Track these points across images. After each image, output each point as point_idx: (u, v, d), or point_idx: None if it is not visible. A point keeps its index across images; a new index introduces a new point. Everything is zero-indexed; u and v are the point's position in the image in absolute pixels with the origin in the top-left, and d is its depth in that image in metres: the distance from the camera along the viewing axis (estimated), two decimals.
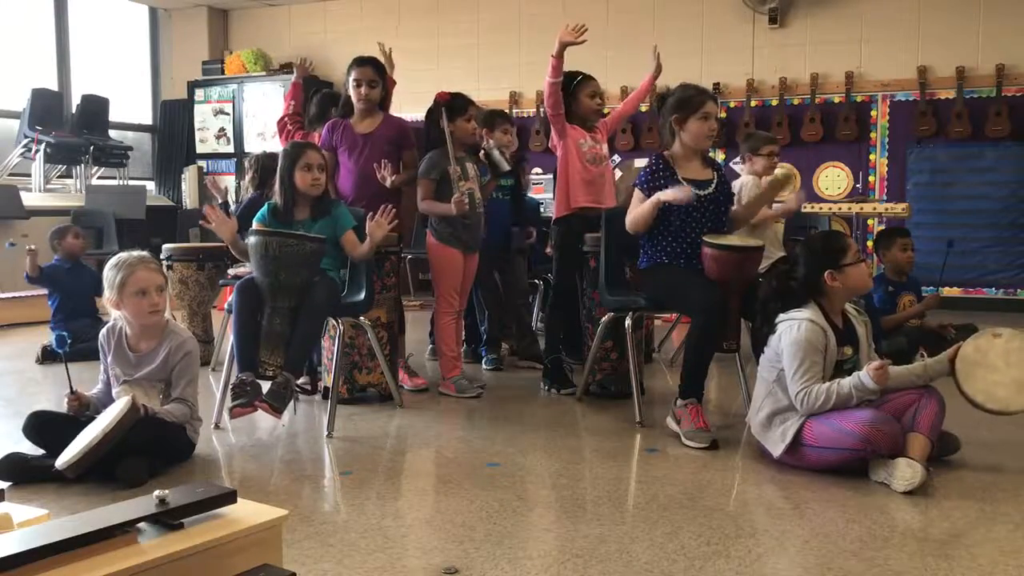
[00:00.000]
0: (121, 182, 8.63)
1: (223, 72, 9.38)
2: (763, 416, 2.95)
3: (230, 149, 9.42)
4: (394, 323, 4.05)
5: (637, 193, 3.47)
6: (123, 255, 2.97)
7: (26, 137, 7.83)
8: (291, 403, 3.25)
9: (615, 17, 8.15)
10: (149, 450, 2.75)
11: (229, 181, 9.18)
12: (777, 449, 2.88)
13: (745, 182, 4.53)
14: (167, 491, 1.62)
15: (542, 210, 6.03)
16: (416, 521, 2.46)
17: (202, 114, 9.53)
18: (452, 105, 4.06)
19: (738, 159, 4.89)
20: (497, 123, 4.75)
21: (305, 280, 3.29)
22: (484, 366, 4.73)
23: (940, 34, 7.22)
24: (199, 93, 9.53)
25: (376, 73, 4.08)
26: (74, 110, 8.46)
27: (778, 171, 4.47)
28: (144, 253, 3.03)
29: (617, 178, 7.35)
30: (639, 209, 3.41)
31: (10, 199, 7.25)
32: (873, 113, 7.46)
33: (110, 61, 9.41)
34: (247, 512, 1.68)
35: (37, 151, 7.82)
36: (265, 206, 3.58)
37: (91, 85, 8.77)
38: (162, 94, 9.85)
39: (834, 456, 2.76)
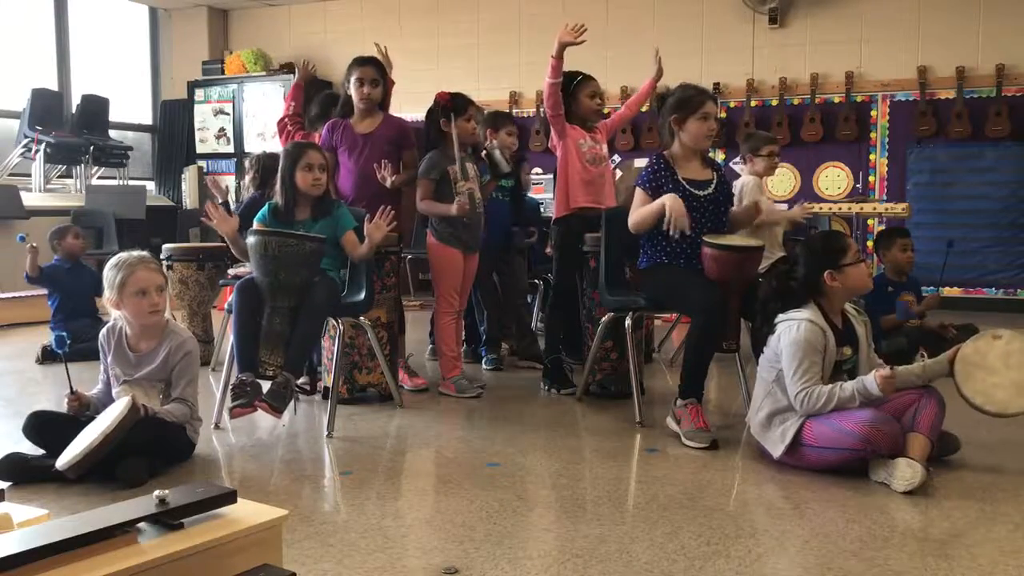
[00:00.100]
0: (121, 182, 8.63)
1: (223, 72, 9.38)
2: (762, 416, 2.94)
3: (230, 149, 9.42)
4: (394, 323, 4.05)
5: (639, 193, 3.47)
6: (123, 255, 2.97)
7: (26, 137, 7.83)
8: (291, 403, 3.25)
9: (615, 17, 8.15)
10: (149, 450, 2.75)
11: (229, 181, 9.18)
12: (777, 450, 2.88)
13: (746, 182, 4.54)
14: (167, 491, 1.62)
15: (542, 210, 6.04)
16: (416, 521, 2.46)
17: (202, 114, 9.53)
18: (452, 105, 4.06)
19: (738, 159, 4.89)
20: (502, 124, 4.76)
21: (305, 280, 3.29)
22: (484, 366, 4.73)
23: (940, 34, 7.22)
24: (199, 93, 9.53)
25: (378, 72, 4.08)
26: (74, 110, 8.46)
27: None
28: (144, 253, 3.03)
29: (617, 178, 7.36)
30: (644, 210, 3.41)
31: (10, 199, 7.25)
32: (873, 113, 7.46)
33: (110, 61, 9.41)
34: (247, 512, 1.68)
35: (37, 151, 7.82)
36: (266, 206, 3.58)
37: (91, 85, 8.77)
38: (162, 94, 9.85)
39: (834, 456, 2.76)
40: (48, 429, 2.84)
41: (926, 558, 2.16)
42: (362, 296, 3.62)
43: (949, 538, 2.32)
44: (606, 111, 4.39)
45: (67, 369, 2.84)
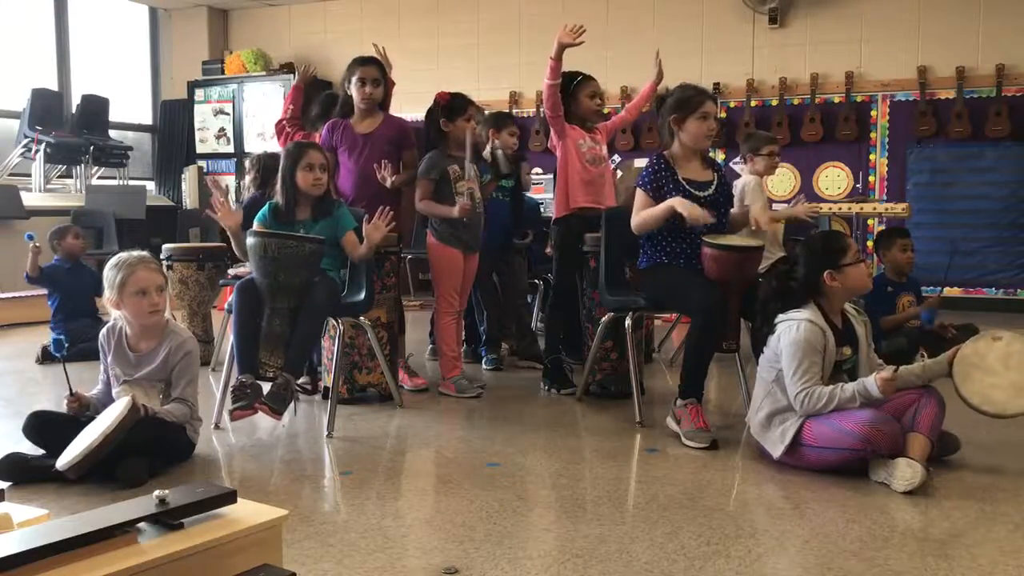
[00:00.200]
0: (121, 182, 8.63)
1: (223, 72, 9.38)
2: (762, 416, 2.94)
3: (230, 149, 9.42)
4: (394, 323, 4.05)
5: (640, 193, 3.47)
6: (123, 255, 2.97)
7: (26, 137, 7.83)
8: (291, 404, 3.25)
9: (615, 17, 8.15)
10: (149, 450, 2.75)
11: (229, 181, 9.19)
12: (777, 450, 2.88)
13: (747, 182, 4.53)
14: (167, 491, 1.62)
15: (542, 210, 6.04)
16: (416, 521, 2.46)
17: (202, 114, 9.53)
18: (452, 105, 4.06)
19: (738, 159, 4.89)
20: (504, 124, 4.76)
21: (304, 281, 3.29)
22: (484, 366, 4.73)
23: (940, 34, 7.22)
24: (199, 93, 9.52)
25: (379, 72, 4.09)
26: (74, 110, 8.46)
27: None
28: (144, 253, 3.03)
29: (617, 178, 7.35)
30: (650, 212, 3.40)
31: (10, 199, 7.25)
32: (873, 113, 7.46)
33: (110, 61, 9.40)
34: (247, 512, 1.68)
35: (37, 151, 7.82)
36: (266, 205, 3.58)
37: (91, 85, 8.76)
38: (162, 94, 9.85)
39: (834, 456, 2.76)
40: (48, 429, 2.84)
41: (926, 558, 2.16)
42: (362, 296, 3.62)
43: (949, 538, 2.32)
44: (606, 111, 4.38)
45: (66, 371, 2.85)
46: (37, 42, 8.68)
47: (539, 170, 7.47)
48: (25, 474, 2.72)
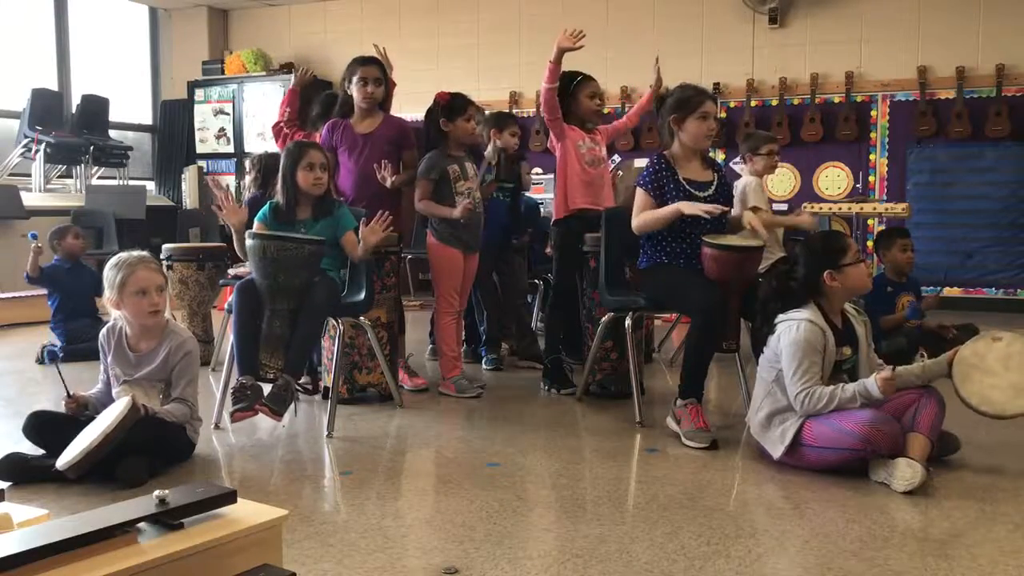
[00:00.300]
0: (121, 182, 8.63)
1: (223, 72, 9.38)
2: (762, 416, 2.94)
3: (230, 149, 9.42)
4: (394, 323, 4.05)
5: (641, 193, 3.46)
6: (123, 255, 2.97)
7: (26, 137, 7.83)
8: (291, 405, 3.25)
9: (615, 17, 8.15)
10: (149, 450, 2.75)
11: (229, 181, 9.19)
12: (777, 450, 2.88)
13: (747, 183, 4.53)
14: (167, 491, 1.62)
15: (542, 210, 6.04)
16: (416, 521, 2.46)
17: (202, 114, 9.53)
18: (452, 105, 4.06)
19: (738, 159, 4.89)
20: (506, 125, 4.76)
21: (304, 282, 3.29)
22: (484, 366, 4.73)
23: (940, 34, 7.22)
24: (199, 93, 9.53)
25: (380, 72, 4.09)
26: (74, 110, 8.46)
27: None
28: (144, 253, 3.03)
29: (617, 178, 7.35)
30: (654, 214, 3.40)
31: (10, 199, 7.25)
32: (873, 113, 7.46)
33: (110, 61, 9.41)
34: (247, 512, 1.68)
35: (37, 151, 7.82)
36: (267, 205, 3.58)
37: (91, 85, 8.77)
38: (162, 94, 9.85)
39: (834, 456, 2.76)
40: (48, 429, 2.84)
41: (926, 558, 2.16)
42: (362, 296, 3.62)
43: (949, 538, 2.32)
44: (606, 111, 4.38)
45: (60, 374, 2.87)
46: (37, 42, 8.68)
47: (539, 170, 7.46)
48: (25, 474, 2.72)
